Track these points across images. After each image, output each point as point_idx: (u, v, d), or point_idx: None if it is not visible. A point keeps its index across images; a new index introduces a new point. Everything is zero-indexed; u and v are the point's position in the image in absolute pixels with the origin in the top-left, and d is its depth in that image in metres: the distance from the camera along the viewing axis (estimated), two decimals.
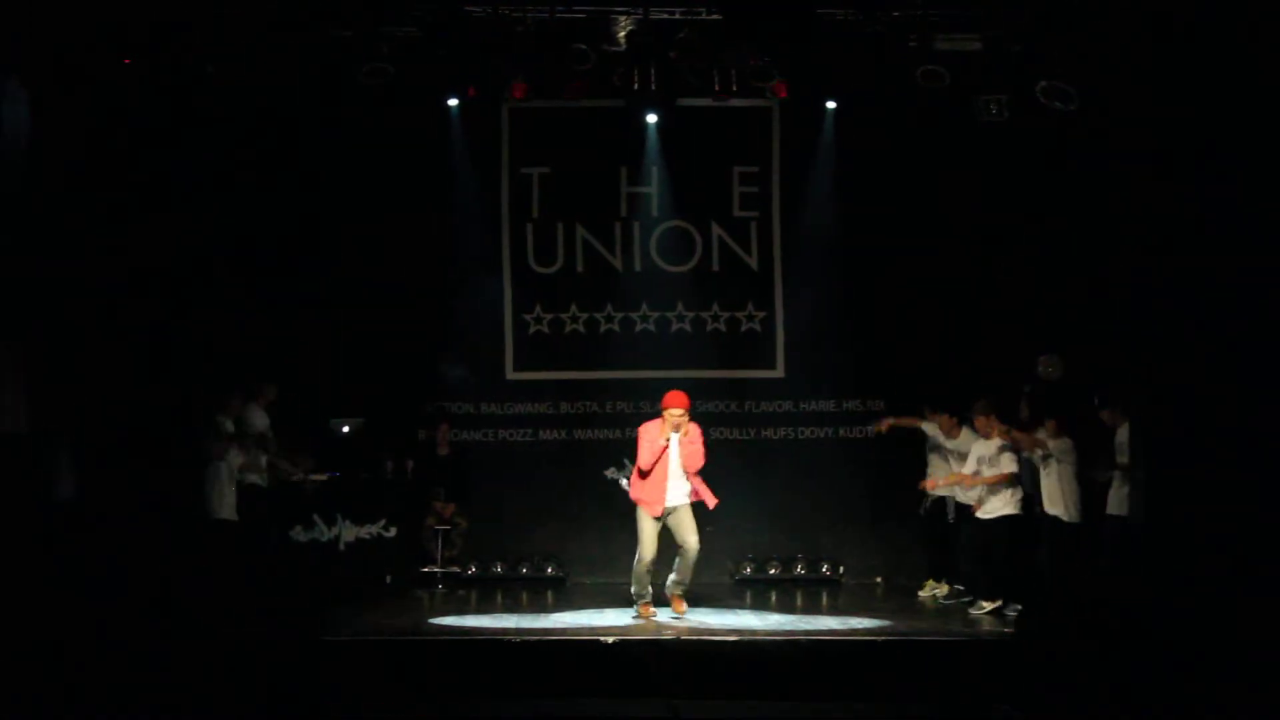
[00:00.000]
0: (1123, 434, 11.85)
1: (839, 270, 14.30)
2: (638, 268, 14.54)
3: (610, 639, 10.08)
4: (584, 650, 10.05)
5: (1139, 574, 11.19)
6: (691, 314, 14.54)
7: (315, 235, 14.01)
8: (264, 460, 12.78)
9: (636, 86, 12.98)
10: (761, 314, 14.54)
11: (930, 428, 13.14)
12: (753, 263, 14.56)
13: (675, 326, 14.53)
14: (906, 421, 13.23)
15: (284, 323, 13.84)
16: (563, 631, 10.78)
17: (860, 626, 11.07)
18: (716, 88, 13.14)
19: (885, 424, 13.23)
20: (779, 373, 14.56)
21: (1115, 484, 11.80)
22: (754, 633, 10.79)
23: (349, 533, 13.58)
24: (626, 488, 11.94)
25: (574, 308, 14.52)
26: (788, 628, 11.10)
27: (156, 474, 12.16)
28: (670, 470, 11.38)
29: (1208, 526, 11.12)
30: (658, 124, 14.19)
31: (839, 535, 14.12)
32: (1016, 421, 12.22)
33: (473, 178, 14.41)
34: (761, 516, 13.99)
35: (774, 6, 12.37)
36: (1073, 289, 13.35)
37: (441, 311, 14.24)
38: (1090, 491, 11.94)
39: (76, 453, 12.02)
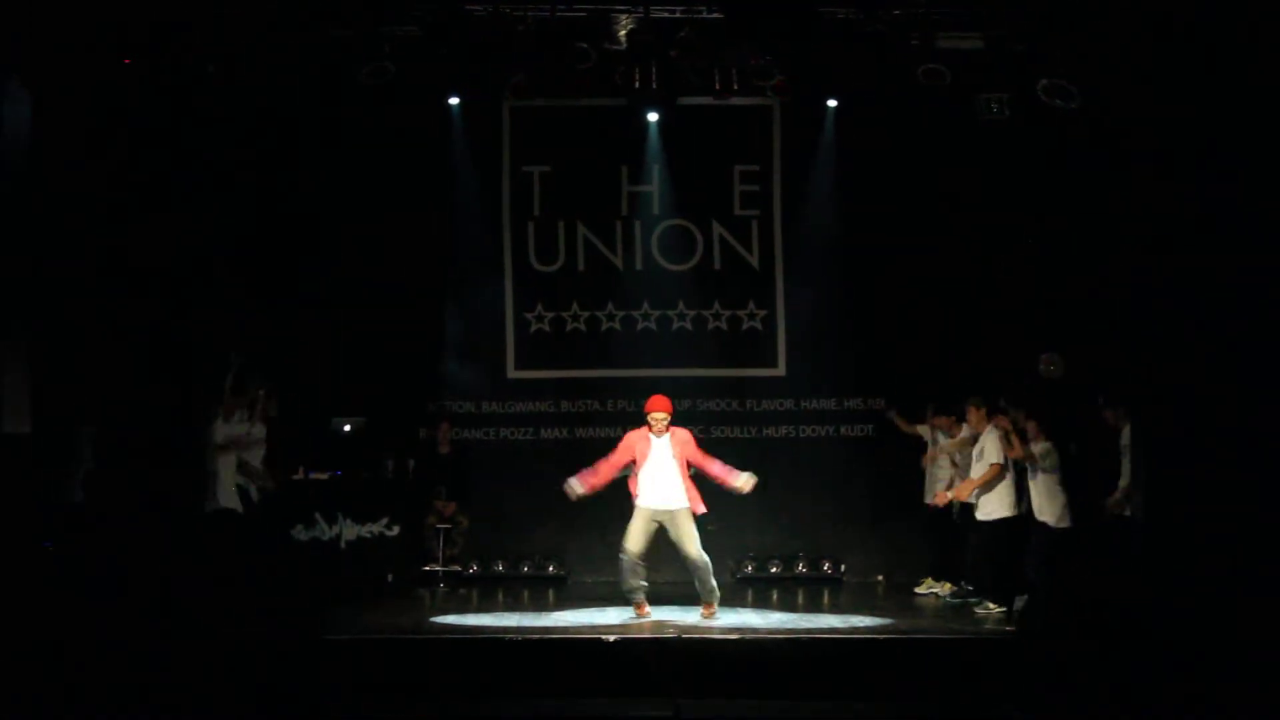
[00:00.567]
0: (1125, 435, 11.84)
1: (840, 269, 14.30)
2: (639, 266, 14.55)
3: (611, 638, 10.07)
4: (585, 649, 10.03)
5: (1140, 574, 11.20)
6: (693, 312, 14.54)
7: (316, 234, 14.03)
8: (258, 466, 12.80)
9: (637, 85, 12.98)
10: (762, 312, 14.54)
11: (926, 430, 13.16)
12: (754, 261, 14.57)
13: (676, 325, 14.54)
14: (908, 428, 13.29)
15: (285, 322, 13.85)
16: (564, 630, 10.78)
17: (862, 625, 11.07)
18: (717, 86, 13.14)
19: (894, 414, 13.30)
20: (780, 371, 14.57)
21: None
22: (755, 631, 10.78)
23: (350, 531, 13.59)
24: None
25: (575, 306, 14.53)
26: (789, 626, 11.09)
27: (156, 472, 12.16)
28: (658, 472, 11.30)
29: (1208, 526, 11.12)
30: (659, 122, 14.21)
31: (840, 534, 14.12)
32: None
33: (474, 176, 14.43)
34: (763, 515, 13.96)
35: (775, 5, 12.37)
36: (1074, 288, 13.34)
37: (442, 310, 14.24)
38: (1081, 495, 11.95)
39: (91, 454, 12.04)
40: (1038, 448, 11.66)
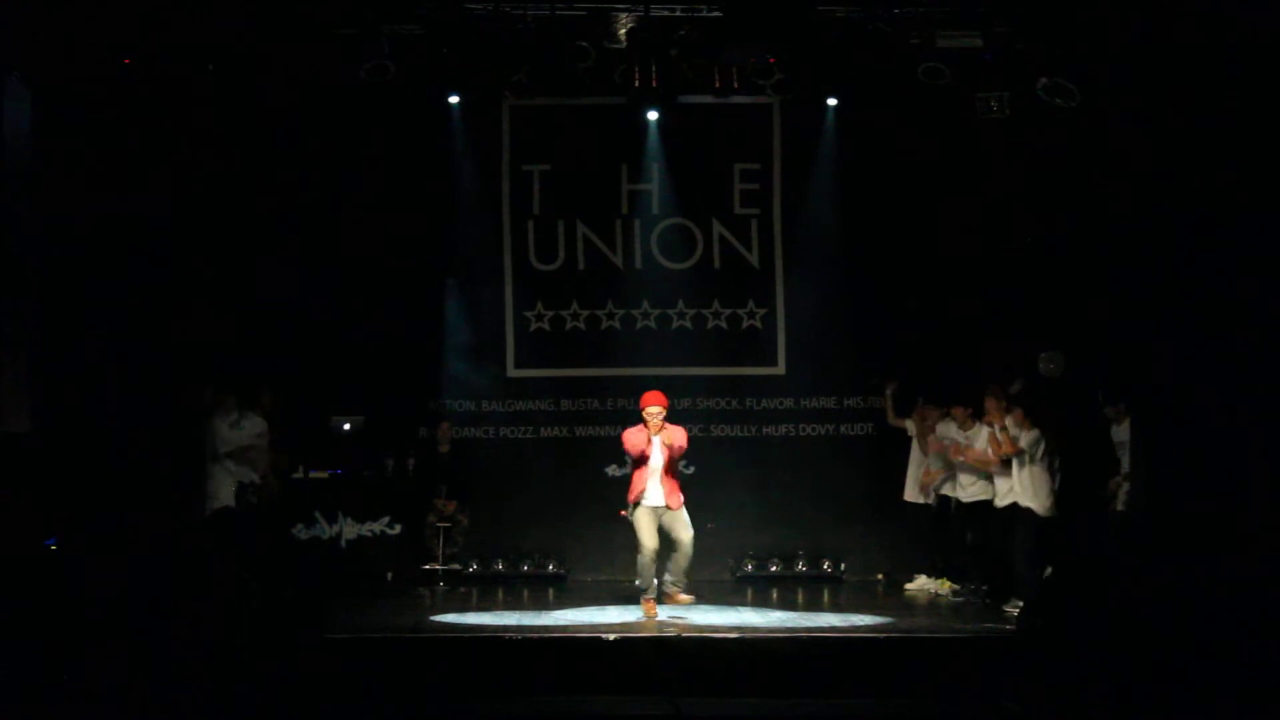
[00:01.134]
0: (1122, 431, 11.85)
1: (840, 267, 14.30)
2: (639, 265, 14.55)
3: (612, 636, 10.07)
4: (585, 648, 10.04)
5: (1141, 569, 11.21)
6: (692, 311, 14.54)
7: (315, 233, 14.01)
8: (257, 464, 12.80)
9: (637, 84, 13.00)
10: (762, 311, 14.55)
11: (912, 425, 13.18)
12: (754, 260, 14.57)
13: (676, 324, 14.54)
14: (895, 420, 13.30)
15: (284, 320, 13.85)
16: (564, 629, 10.79)
17: (862, 624, 11.07)
18: (717, 85, 13.15)
19: (890, 393, 13.30)
20: (780, 370, 14.57)
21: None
22: (755, 630, 10.79)
23: (350, 530, 13.61)
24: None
25: (575, 305, 14.54)
26: (789, 625, 11.10)
27: (156, 472, 12.17)
28: (656, 469, 11.30)
29: (1206, 522, 11.14)
30: (659, 121, 14.21)
31: (840, 532, 14.12)
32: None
33: (473, 175, 14.44)
34: (762, 513, 14.00)
35: (775, 3, 12.36)
36: (1074, 285, 13.34)
37: (442, 309, 14.24)
38: (1078, 492, 11.98)
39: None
40: (1026, 437, 11.66)
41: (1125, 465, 11.93)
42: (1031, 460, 11.65)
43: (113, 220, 12.61)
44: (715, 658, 9.97)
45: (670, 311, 14.54)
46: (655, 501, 11.28)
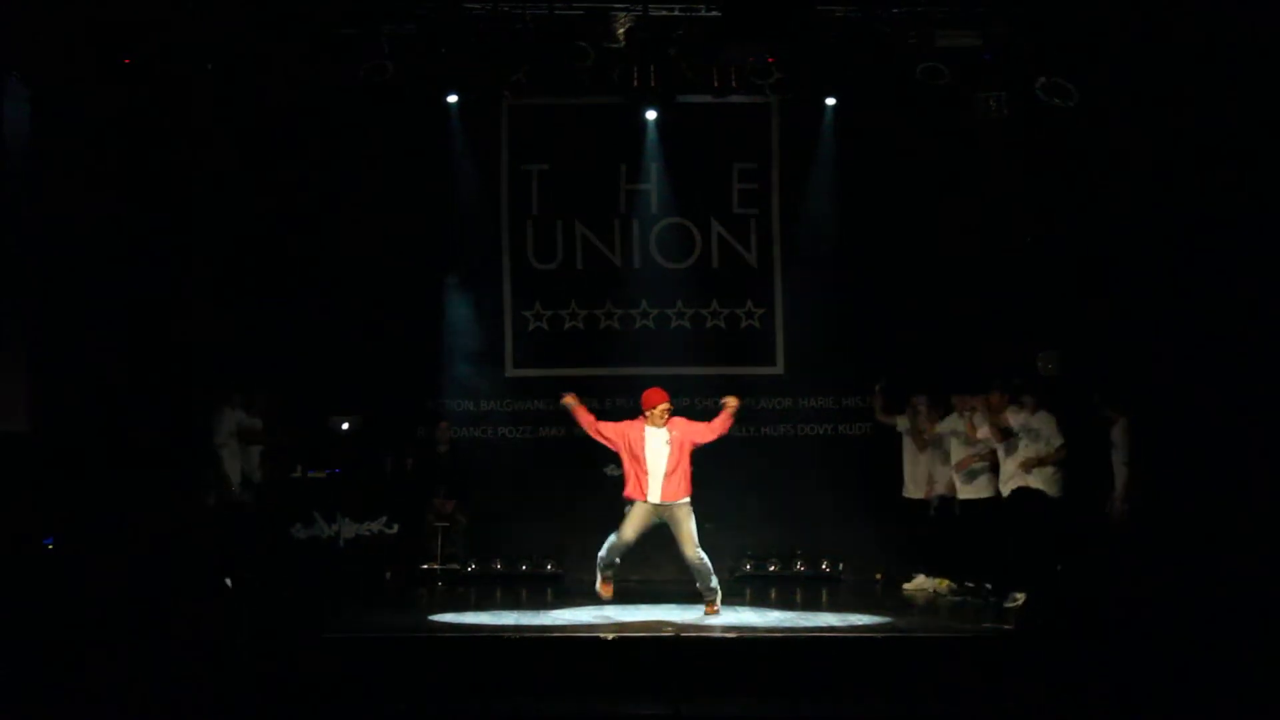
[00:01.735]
0: (1117, 431, 11.86)
1: (838, 267, 14.30)
2: (637, 264, 14.57)
3: (610, 636, 10.07)
4: (583, 647, 10.03)
5: (1137, 571, 11.23)
6: (691, 311, 14.56)
7: (314, 232, 14.01)
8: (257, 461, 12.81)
9: (636, 83, 13.05)
10: (761, 311, 14.56)
11: (904, 421, 13.18)
12: (752, 259, 14.59)
13: (675, 323, 14.56)
14: (885, 416, 13.29)
15: (283, 320, 13.85)
16: (562, 629, 10.77)
17: (860, 623, 11.06)
18: (716, 84, 13.17)
19: (878, 391, 13.34)
20: (778, 369, 14.59)
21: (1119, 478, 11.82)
22: (754, 630, 10.78)
23: (349, 530, 13.62)
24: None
25: (573, 304, 14.55)
26: (788, 625, 11.09)
27: (155, 472, 12.18)
28: (657, 466, 11.20)
29: (1204, 522, 11.16)
30: (657, 121, 14.22)
31: (839, 532, 14.09)
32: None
33: (472, 174, 14.44)
34: (761, 513, 13.99)
35: (773, 3, 12.38)
36: (1072, 286, 13.35)
37: (441, 309, 14.24)
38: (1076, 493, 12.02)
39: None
40: (1018, 419, 11.68)
41: (1118, 466, 11.92)
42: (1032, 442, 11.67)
43: (112, 220, 12.63)
44: (713, 658, 9.96)
45: (669, 311, 14.55)
46: (654, 499, 11.22)
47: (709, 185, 14.58)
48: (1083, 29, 12.07)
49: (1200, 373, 11.72)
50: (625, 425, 11.41)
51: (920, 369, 13.63)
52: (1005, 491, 11.99)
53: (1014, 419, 11.79)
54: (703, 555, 11.18)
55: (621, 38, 12.72)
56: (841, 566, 13.97)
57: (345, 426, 13.86)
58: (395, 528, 13.66)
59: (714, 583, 11.26)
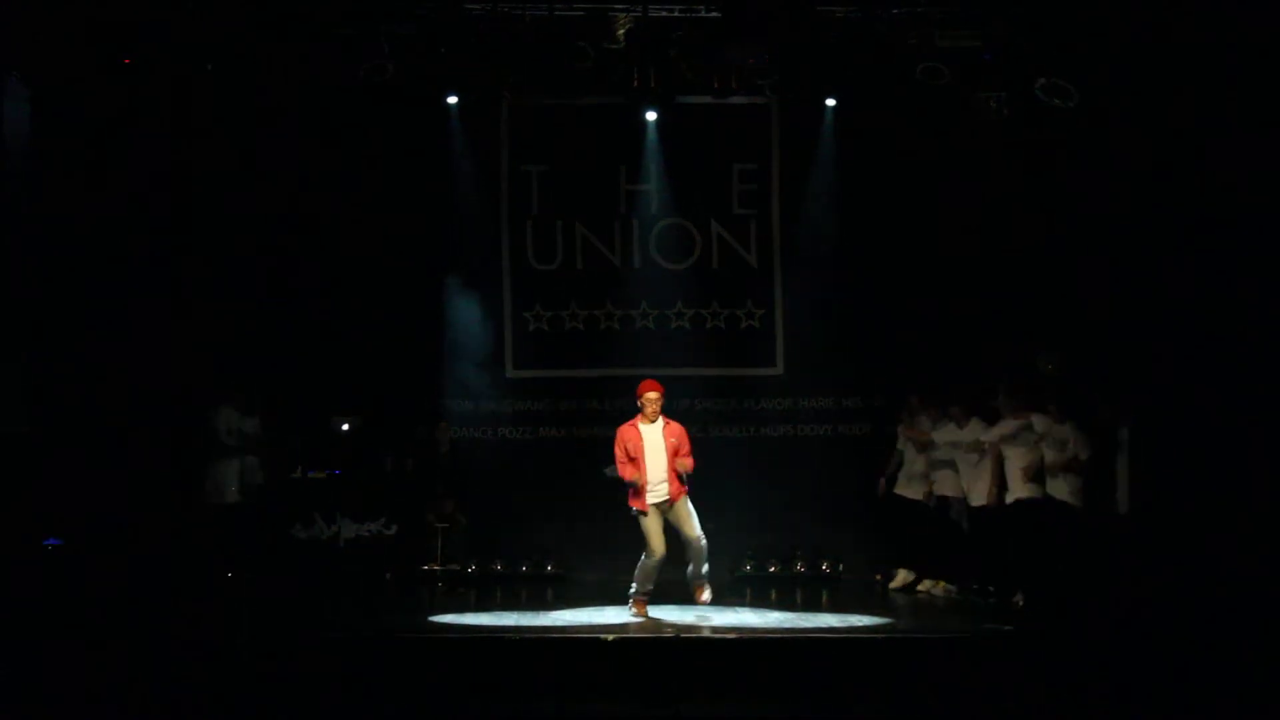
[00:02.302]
0: (1122, 433, 11.85)
1: (838, 267, 14.29)
2: (637, 265, 14.56)
3: (610, 637, 10.06)
4: (584, 648, 10.02)
5: (1138, 570, 11.23)
6: (691, 311, 14.55)
7: (315, 233, 13.99)
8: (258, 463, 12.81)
9: (636, 84, 13.04)
10: (760, 311, 14.56)
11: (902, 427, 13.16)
12: (752, 260, 14.58)
13: (675, 324, 14.55)
14: (916, 434, 13.21)
15: (284, 321, 13.84)
16: (562, 630, 10.77)
17: (860, 624, 11.06)
18: (716, 85, 13.16)
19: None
20: (778, 370, 14.58)
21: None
22: (754, 630, 10.78)
23: (349, 530, 13.61)
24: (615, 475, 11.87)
25: (574, 305, 14.55)
26: (787, 625, 11.09)
27: (156, 472, 12.18)
28: (655, 464, 11.20)
29: (1205, 522, 11.16)
30: (657, 121, 14.21)
31: (838, 532, 14.08)
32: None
33: (472, 175, 14.42)
34: (761, 514, 13.97)
35: (773, 4, 12.38)
36: (1073, 286, 13.35)
37: (441, 309, 14.23)
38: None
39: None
40: (1042, 426, 11.67)
41: (1121, 467, 11.91)
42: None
43: (112, 220, 12.63)
44: (714, 659, 9.96)
45: (669, 312, 14.55)
46: (659, 497, 11.24)
47: (709, 186, 14.58)
48: (1082, 29, 12.06)
49: (1201, 373, 11.73)
50: (622, 435, 11.39)
51: (919, 369, 13.62)
52: (1021, 495, 11.94)
53: (1038, 423, 11.74)
54: (703, 537, 11.22)
55: (621, 38, 12.70)
56: (841, 567, 13.95)
57: (346, 427, 13.86)
58: (394, 528, 13.64)
59: (706, 568, 11.31)
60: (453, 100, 13.94)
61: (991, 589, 12.17)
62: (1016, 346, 13.10)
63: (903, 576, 13.24)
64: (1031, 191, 13.61)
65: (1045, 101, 12.48)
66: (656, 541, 11.17)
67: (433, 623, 11.21)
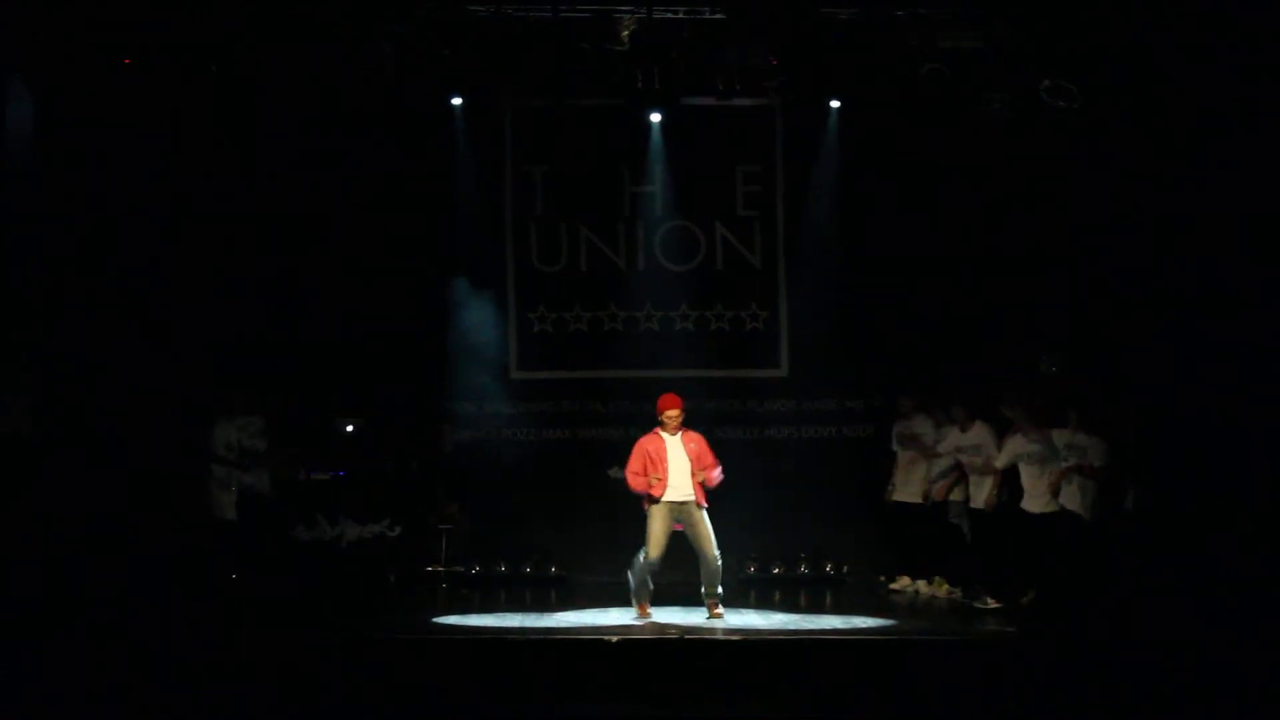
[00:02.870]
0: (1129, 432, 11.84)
1: (842, 269, 14.26)
2: (641, 267, 14.54)
3: (614, 639, 10.06)
4: (587, 650, 10.02)
5: (1141, 570, 11.22)
6: (695, 313, 14.54)
7: (318, 234, 13.98)
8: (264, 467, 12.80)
9: (640, 85, 13.02)
10: (765, 313, 14.54)
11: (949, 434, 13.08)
12: (756, 262, 14.57)
13: (679, 326, 14.54)
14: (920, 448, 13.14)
15: (287, 322, 13.83)
16: (566, 631, 10.76)
17: (864, 626, 11.06)
18: (720, 87, 13.15)
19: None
20: (782, 372, 14.57)
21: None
22: (758, 632, 10.78)
23: (352, 532, 13.60)
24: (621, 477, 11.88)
25: (577, 307, 14.53)
26: (791, 627, 11.08)
27: (157, 476, 12.17)
28: (676, 470, 11.30)
29: (1210, 523, 11.15)
30: (661, 123, 14.20)
31: (842, 534, 14.07)
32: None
33: (476, 177, 14.40)
34: (765, 515, 13.91)
35: (777, 5, 12.37)
36: (1076, 287, 13.34)
37: (445, 311, 14.22)
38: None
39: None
40: (1063, 437, 11.62)
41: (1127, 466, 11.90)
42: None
43: (115, 220, 12.63)
44: (718, 661, 9.96)
45: (672, 313, 14.53)
46: (671, 497, 11.25)
47: (713, 187, 14.56)
48: (1086, 30, 12.04)
49: (1203, 374, 11.72)
50: (641, 446, 11.48)
51: (923, 371, 13.61)
52: (1035, 509, 11.90)
53: (1058, 437, 11.71)
54: (719, 559, 11.26)
55: (625, 40, 12.69)
56: (845, 569, 13.94)
57: (349, 428, 13.87)
58: (397, 530, 13.64)
59: (720, 588, 11.35)
60: (457, 102, 13.94)
61: (996, 592, 12.15)
62: (1020, 348, 13.09)
63: (905, 582, 13.22)
64: (1035, 193, 13.59)
65: (1049, 103, 12.46)
66: (655, 543, 11.21)
67: (436, 624, 11.21)
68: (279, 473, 12.97)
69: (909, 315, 14.04)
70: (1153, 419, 11.61)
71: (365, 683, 9.55)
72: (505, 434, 14.44)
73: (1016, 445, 11.88)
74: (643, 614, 11.24)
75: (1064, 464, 11.56)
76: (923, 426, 13.20)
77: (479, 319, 14.29)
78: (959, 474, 12.74)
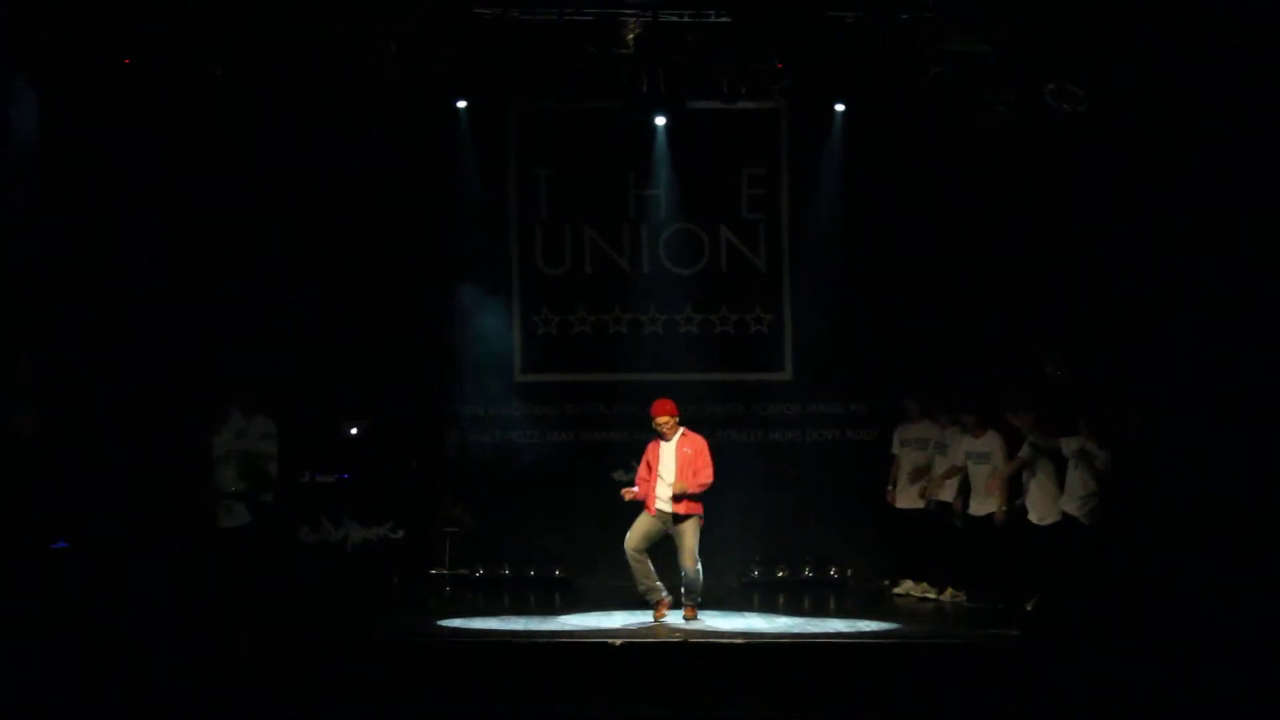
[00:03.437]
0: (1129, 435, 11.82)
1: (847, 272, 14.24)
2: (646, 270, 14.53)
3: (618, 642, 10.06)
4: (591, 653, 10.02)
5: (1142, 572, 11.21)
6: (699, 316, 14.52)
7: (321, 236, 13.98)
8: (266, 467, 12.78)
9: (645, 88, 13.03)
10: (769, 316, 14.52)
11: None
12: (760, 265, 14.55)
13: (683, 329, 14.52)
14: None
15: (291, 324, 13.83)
16: (570, 634, 10.77)
17: (868, 630, 11.04)
18: (725, 89, 13.15)
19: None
20: (787, 375, 14.54)
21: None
22: (761, 635, 10.78)
23: (356, 534, 13.61)
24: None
25: (582, 310, 14.52)
26: (795, 631, 11.07)
27: (157, 477, 12.17)
28: (665, 476, 11.44)
29: (1208, 524, 11.13)
30: (666, 126, 14.19)
31: (846, 538, 14.05)
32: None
33: (481, 179, 14.40)
34: (769, 519, 13.95)
35: (782, 9, 12.36)
36: (1080, 290, 13.32)
37: (449, 313, 14.22)
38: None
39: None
40: (1071, 445, 11.61)
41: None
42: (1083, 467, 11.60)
43: (117, 221, 12.63)
44: (721, 663, 9.95)
45: (677, 316, 14.52)
46: (663, 504, 11.41)
47: (718, 190, 14.54)
48: (1092, 33, 12.03)
49: (1204, 374, 11.71)
50: (647, 450, 11.74)
51: (928, 375, 13.59)
52: (1039, 518, 11.91)
53: (1067, 446, 11.70)
54: (699, 569, 11.41)
55: (631, 43, 12.68)
56: (850, 572, 13.92)
57: (354, 431, 13.86)
58: (401, 532, 13.64)
59: (698, 597, 11.49)
60: (462, 105, 13.94)
61: (999, 596, 12.14)
62: (1024, 351, 13.08)
63: (908, 586, 13.20)
64: (1036, 195, 13.57)
65: (1055, 106, 12.44)
66: (632, 535, 11.44)
67: (440, 627, 11.21)
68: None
69: (913, 319, 14.01)
70: (1153, 419, 11.58)
71: (368, 685, 9.55)
72: (509, 437, 14.41)
73: (1024, 453, 11.98)
74: (658, 615, 11.37)
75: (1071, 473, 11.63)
76: (927, 431, 13.19)
77: (483, 321, 14.28)
78: (962, 478, 12.73)
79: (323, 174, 13.85)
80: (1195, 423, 11.54)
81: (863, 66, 12.76)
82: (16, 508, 11.35)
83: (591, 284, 14.53)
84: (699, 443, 11.55)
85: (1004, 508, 12.22)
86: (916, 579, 13.17)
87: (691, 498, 11.39)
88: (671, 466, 11.44)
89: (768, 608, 12.50)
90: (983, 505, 12.44)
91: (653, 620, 11.28)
